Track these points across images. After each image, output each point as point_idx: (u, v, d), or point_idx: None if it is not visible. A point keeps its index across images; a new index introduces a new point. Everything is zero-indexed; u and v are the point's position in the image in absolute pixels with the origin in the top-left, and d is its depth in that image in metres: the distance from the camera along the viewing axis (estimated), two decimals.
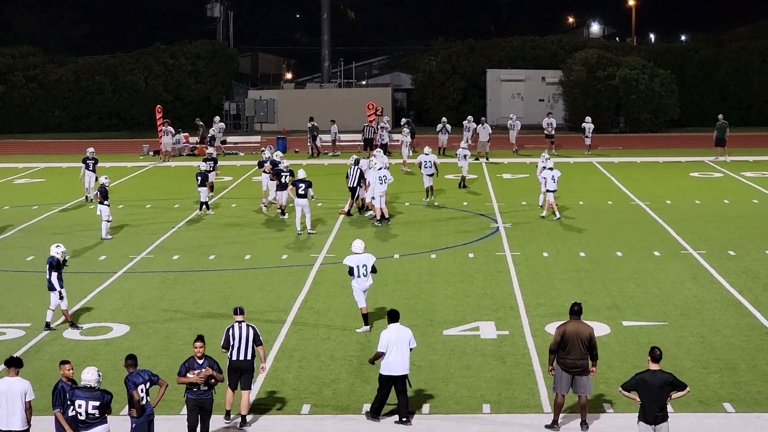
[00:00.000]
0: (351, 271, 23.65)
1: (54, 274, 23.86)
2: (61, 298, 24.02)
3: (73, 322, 24.25)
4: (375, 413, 18.60)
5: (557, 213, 36.40)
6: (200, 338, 17.33)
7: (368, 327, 23.63)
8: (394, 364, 18.42)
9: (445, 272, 29.08)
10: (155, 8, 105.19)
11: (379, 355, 18.63)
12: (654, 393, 15.73)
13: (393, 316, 18.95)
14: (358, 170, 37.15)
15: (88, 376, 15.76)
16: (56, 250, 24.12)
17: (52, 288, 23.90)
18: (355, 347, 22.43)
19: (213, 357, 17.50)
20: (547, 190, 36.33)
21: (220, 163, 47.69)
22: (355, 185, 37.35)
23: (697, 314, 24.55)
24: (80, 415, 15.68)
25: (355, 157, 39.15)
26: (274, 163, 38.07)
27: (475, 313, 24.98)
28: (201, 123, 60.81)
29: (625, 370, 20.49)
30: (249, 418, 18.56)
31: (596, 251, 31.33)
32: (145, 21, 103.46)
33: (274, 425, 18.40)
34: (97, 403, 15.67)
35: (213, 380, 17.17)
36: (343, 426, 18.33)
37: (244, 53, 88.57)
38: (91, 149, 42.62)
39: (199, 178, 38.29)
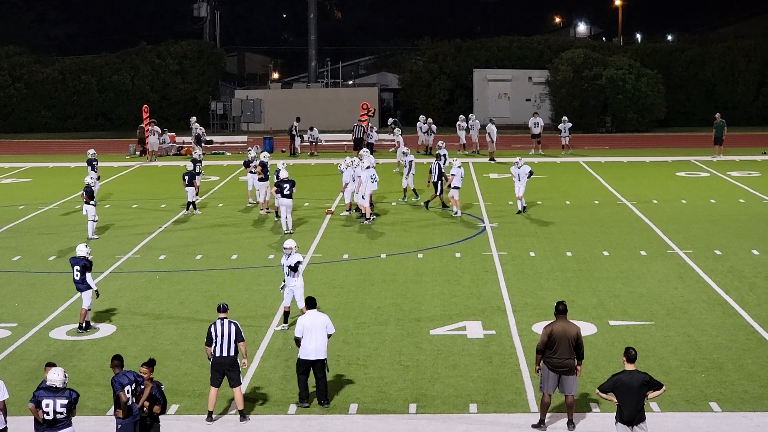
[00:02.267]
0: (298, 267, 23.65)
1: (88, 274, 23.81)
2: (97, 295, 24.02)
3: (88, 322, 24.02)
4: (301, 400, 19.16)
5: (458, 209, 37.17)
6: (147, 363, 16.53)
7: (286, 325, 23.87)
8: (310, 349, 19.02)
9: (432, 272, 29.09)
10: (141, 8, 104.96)
11: (297, 340, 19.21)
12: (632, 393, 15.77)
13: (310, 303, 19.56)
14: (438, 165, 38.35)
15: (54, 377, 15.59)
16: (86, 250, 24.08)
17: (87, 288, 23.81)
18: (341, 347, 22.41)
19: (159, 380, 17.14)
20: (454, 187, 36.93)
21: (204, 162, 47.71)
22: (437, 180, 38.25)
23: (684, 314, 24.60)
24: (47, 414, 15.48)
25: (438, 152, 41.05)
26: (264, 165, 38.07)
27: (461, 312, 24.99)
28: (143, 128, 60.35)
29: (611, 369, 20.47)
30: (234, 412, 18.58)
31: (583, 251, 31.37)
32: (131, 21, 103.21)
33: (260, 425, 18.38)
34: (65, 401, 15.50)
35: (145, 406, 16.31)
36: (329, 425, 18.32)
37: (230, 53, 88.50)
38: (92, 150, 42.87)
39: (186, 177, 38.24)
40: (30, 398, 15.85)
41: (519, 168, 37.17)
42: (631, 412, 15.75)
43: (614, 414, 16.39)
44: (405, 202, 40.31)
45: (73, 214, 38.83)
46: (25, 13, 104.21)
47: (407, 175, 40.43)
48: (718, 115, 53.99)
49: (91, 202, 34.04)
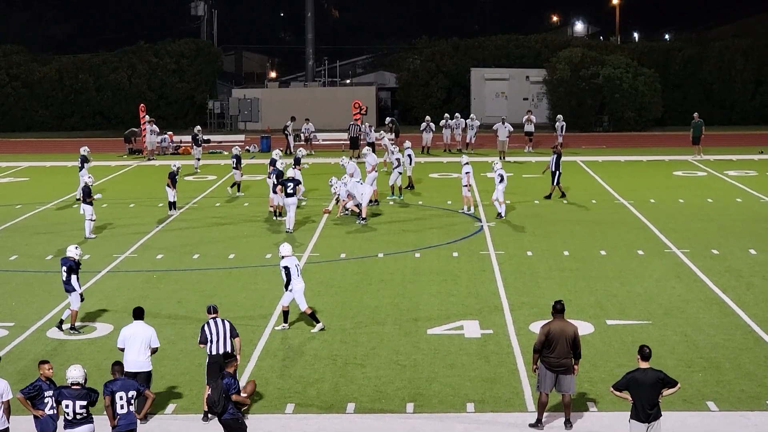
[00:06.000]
0: (289, 272, 23.32)
1: (74, 276, 23.66)
2: (82, 299, 23.92)
3: (74, 326, 23.98)
4: None
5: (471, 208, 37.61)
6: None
7: (287, 325, 23.72)
8: (130, 361, 18.35)
9: (430, 271, 29.08)
10: (139, 7, 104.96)
11: (121, 350, 18.69)
12: (646, 391, 15.74)
13: (136, 314, 19.09)
14: (558, 155, 40.02)
15: (75, 373, 15.65)
16: (75, 252, 23.95)
17: (72, 290, 23.68)
18: (339, 346, 22.43)
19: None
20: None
21: (201, 162, 47.57)
22: (555, 169, 40.00)
23: (681, 313, 24.60)
24: (68, 415, 15.57)
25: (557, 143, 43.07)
26: (237, 157, 38.15)
27: (459, 312, 24.99)
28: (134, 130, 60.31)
29: (609, 368, 20.53)
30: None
31: (580, 250, 31.37)
32: (128, 20, 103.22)
33: (258, 424, 18.37)
34: (84, 402, 15.58)
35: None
36: (327, 425, 18.32)
37: (228, 52, 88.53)
38: (85, 147, 42.53)
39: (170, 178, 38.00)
40: (22, 388, 15.86)
41: (498, 171, 36.20)
42: (645, 410, 15.74)
43: (612, 413, 16.45)
44: (400, 201, 40.26)
45: (70, 213, 38.80)
46: (23, 12, 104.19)
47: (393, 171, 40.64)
48: (696, 114, 54.01)
49: (89, 200, 34.00)
